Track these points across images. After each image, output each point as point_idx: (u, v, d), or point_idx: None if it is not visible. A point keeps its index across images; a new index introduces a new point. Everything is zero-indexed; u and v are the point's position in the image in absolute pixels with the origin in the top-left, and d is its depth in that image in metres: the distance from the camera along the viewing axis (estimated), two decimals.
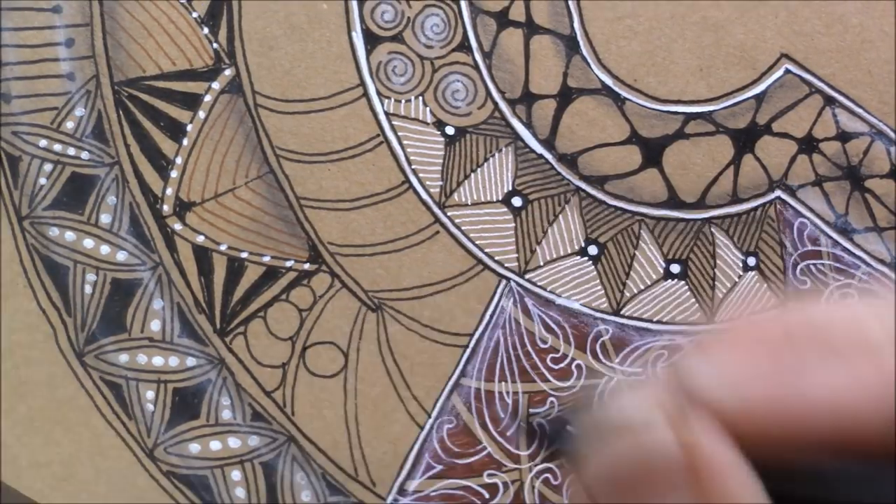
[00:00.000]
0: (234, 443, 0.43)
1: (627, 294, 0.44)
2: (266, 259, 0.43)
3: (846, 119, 0.44)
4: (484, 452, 0.44)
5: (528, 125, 0.44)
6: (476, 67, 0.44)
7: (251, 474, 0.43)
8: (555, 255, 0.44)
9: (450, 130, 0.44)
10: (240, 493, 0.43)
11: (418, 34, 0.44)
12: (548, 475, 0.44)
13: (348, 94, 0.44)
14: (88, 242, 0.43)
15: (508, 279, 0.44)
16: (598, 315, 0.44)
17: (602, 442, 0.27)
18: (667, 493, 0.26)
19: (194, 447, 0.43)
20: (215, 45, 0.44)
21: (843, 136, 0.44)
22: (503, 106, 0.44)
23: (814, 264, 0.44)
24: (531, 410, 0.43)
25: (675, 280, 0.44)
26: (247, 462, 0.43)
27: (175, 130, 0.44)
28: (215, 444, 0.43)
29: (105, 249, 0.43)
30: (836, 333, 0.28)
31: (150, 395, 0.43)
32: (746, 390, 0.26)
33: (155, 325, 0.43)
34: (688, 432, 0.26)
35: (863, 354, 0.27)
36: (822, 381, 0.26)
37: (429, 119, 0.44)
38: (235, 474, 0.43)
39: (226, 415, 0.43)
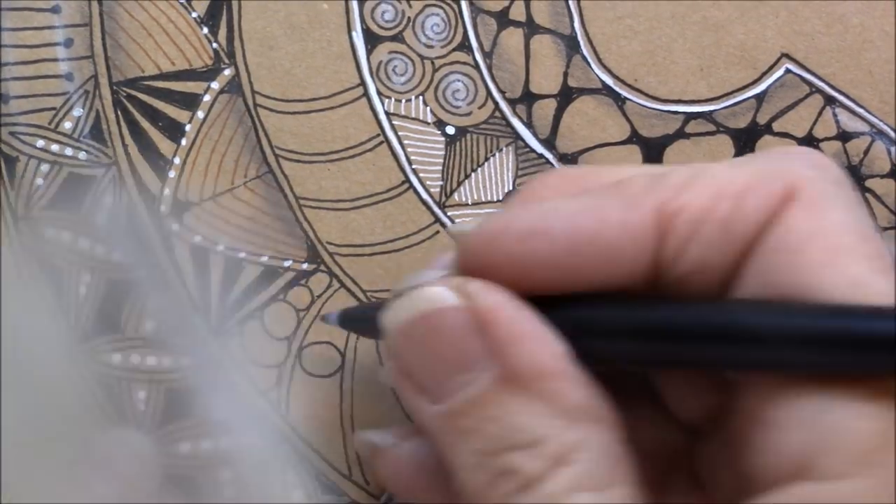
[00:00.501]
0: (225, 442, 0.42)
1: None
2: (264, 259, 0.43)
3: (847, 119, 0.44)
4: None
5: (529, 125, 0.44)
6: (476, 67, 0.44)
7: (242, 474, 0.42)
8: None
9: (450, 130, 0.44)
10: (229, 492, 0.42)
11: (419, 34, 0.44)
12: None
13: (348, 94, 0.44)
14: (84, 242, 0.43)
15: None
16: None
17: (401, 307, 0.34)
18: (453, 332, 0.33)
19: (184, 447, 0.42)
20: (215, 44, 0.44)
21: (844, 136, 0.44)
22: (503, 105, 0.44)
23: None
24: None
25: None
26: (238, 461, 0.42)
27: (174, 130, 0.43)
28: (206, 444, 0.42)
29: (101, 249, 0.43)
30: (593, 180, 0.35)
31: (142, 395, 0.42)
32: (493, 227, 0.33)
33: (150, 326, 0.43)
34: (464, 285, 0.33)
35: (610, 194, 0.33)
36: (562, 212, 0.33)
37: (429, 119, 0.44)
38: (226, 474, 0.42)
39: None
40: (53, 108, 0.43)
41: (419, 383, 0.34)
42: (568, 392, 0.32)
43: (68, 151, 0.43)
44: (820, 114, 0.44)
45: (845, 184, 0.33)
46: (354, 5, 0.44)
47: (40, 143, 0.43)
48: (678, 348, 0.32)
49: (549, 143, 0.44)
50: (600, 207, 0.32)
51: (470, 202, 0.44)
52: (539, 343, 0.32)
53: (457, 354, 0.33)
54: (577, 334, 0.32)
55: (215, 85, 0.44)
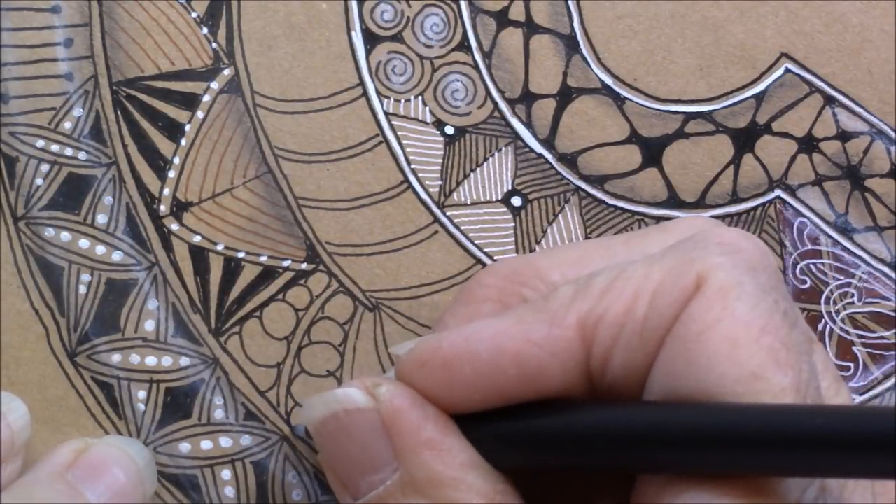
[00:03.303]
0: (225, 442, 0.42)
1: None
2: (263, 259, 0.43)
3: (846, 118, 0.44)
4: None
5: (528, 125, 0.44)
6: (476, 67, 0.44)
7: (241, 473, 0.42)
8: None
9: (449, 130, 0.44)
10: (229, 492, 0.42)
11: (418, 34, 0.44)
12: None
13: (347, 94, 0.44)
14: (84, 243, 0.43)
15: None
16: None
17: (315, 405, 0.36)
18: (361, 434, 0.34)
19: (184, 447, 0.42)
20: (214, 44, 0.44)
21: (844, 136, 0.44)
22: (503, 105, 0.44)
23: (814, 263, 0.44)
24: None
25: None
26: (237, 461, 0.42)
27: (173, 130, 0.43)
28: (206, 444, 0.42)
29: (101, 250, 0.43)
30: (527, 279, 0.37)
31: (142, 394, 0.42)
32: (421, 353, 0.35)
33: (149, 325, 0.43)
34: (375, 387, 0.35)
35: (534, 310, 0.34)
36: (485, 334, 0.34)
37: (428, 119, 0.44)
38: (225, 473, 0.42)
39: (218, 414, 0.42)
40: (53, 108, 0.43)
41: (339, 479, 0.36)
42: (462, 500, 0.33)
43: (68, 151, 0.43)
44: (819, 113, 0.44)
45: (762, 266, 0.33)
46: (354, 5, 0.44)
47: (40, 143, 0.43)
48: (579, 455, 0.33)
49: (548, 142, 0.44)
50: (525, 326, 0.33)
51: (469, 202, 0.44)
52: (438, 452, 0.34)
53: (365, 455, 0.35)
54: (489, 441, 0.34)
55: (215, 85, 0.44)
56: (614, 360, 0.33)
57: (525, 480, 0.35)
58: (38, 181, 0.43)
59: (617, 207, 0.44)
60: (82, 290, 0.43)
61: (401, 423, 0.34)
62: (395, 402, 0.34)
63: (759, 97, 0.44)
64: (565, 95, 0.44)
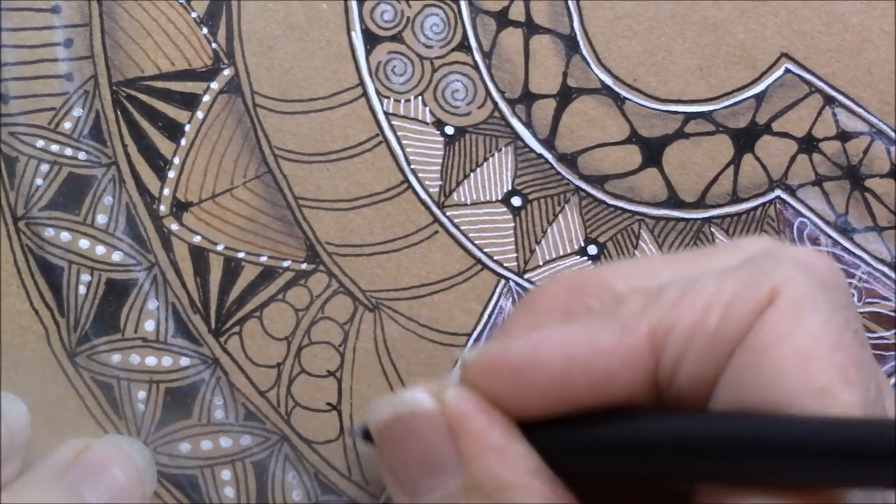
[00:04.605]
0: (225, 442, 0.42)
1: None
2: (263, 259, 0.43)
3: (846, 118, 0.44)
4: None
5: (528, 125, 0.44)
6: (476, 67, 0.44)
7: (241, 473, 0.42)
8: (554, 255, 0.44)
9: (449, 130, 0.44)
10: (229, 492, 0.42)
11: (418, 34, 0.44)
12: None
13: (347, 94, 0.44)
14: (84, 243, 0.43)
15: (507, 279, 0.44)
16: None
17: (382, 407, 0.36)
18: (426, 437, 0.34)
19: (184, 447, 0.42)
20: (214, 45, 0.44)
21: (843, 136, 0.44)
22: (503, 105, 0.44)
23: None
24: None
25: None
26: (237, 461, 0.42)
27: (173, 130, 0.43)
28: (206, 444, 0.42)
29: (100, 250, 0.43)
30: (593, 289, 0.35)
31: (142, 395, 0.42)
32: (489, 358, 0.35)
33: (149, 326, 0.43)
34: (442, 391, 0.35)
35: (604, 319, 0.34)
36: (555, 341, 0.34)
37: (428, 119, 0.44)
38: (225, 473, 0.42)
39: (218, 414, 0.42)
40: (53, 109, 0.43)
41: (398, 481, 0.36)
42: None
43: (68, 151, 0.43)
44: (819, 113, 0.44)
45: (834, 284, 0.33)
46: (353, 5, 0.44)
47: (40, 143, 0.43)
48: (644, 464, 0.33)
49: (548, 143, 0.44)
50: (594, 334, 0.34)
51: (469, 202, 0.44)
52: (504, 457, 0.34)
53: (428, 457, 0.35)
54: (554, 449, 0.34)
55: (215, 85, 0.44)
56: (683, 371, 0.33)
57: (577, 484, 0.35)
58: (38, 181, 0.43)
59: (617, 207, 0.44)
60: (82, 290, 0.43)
61: (467, 427, 0.34)
62: (462, 406, 0.34)
63: (759, 97, 0.44)
64: (565, 95, 0.44)
